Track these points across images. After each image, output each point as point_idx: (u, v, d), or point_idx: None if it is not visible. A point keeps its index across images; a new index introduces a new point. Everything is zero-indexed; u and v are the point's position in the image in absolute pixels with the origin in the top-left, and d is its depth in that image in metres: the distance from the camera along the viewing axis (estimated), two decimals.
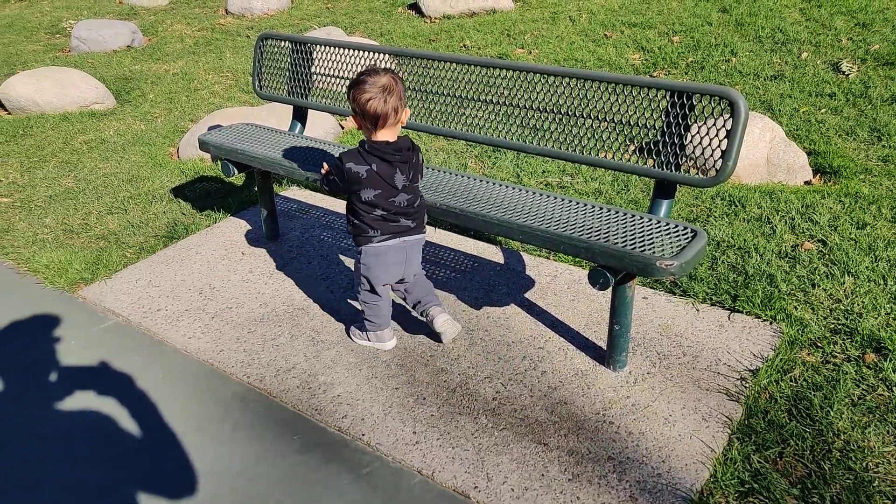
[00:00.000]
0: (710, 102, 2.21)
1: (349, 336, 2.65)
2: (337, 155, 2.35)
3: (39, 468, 2.15)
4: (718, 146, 2.19)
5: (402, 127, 2.34)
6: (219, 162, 4.29)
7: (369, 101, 2.16)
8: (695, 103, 2.23)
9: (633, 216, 2.30)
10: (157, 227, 3.62)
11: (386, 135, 2.24)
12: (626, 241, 2.12)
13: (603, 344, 2.53)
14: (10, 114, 5.59)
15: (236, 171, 3.15)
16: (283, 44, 3.33)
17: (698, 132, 2.28)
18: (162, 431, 2.27)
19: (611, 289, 2.21)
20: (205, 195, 3.95)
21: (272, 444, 2.20)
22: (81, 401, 2.42)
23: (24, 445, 2.24)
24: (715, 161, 2.20)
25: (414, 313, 2.67)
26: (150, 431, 2.28)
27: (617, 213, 2.34)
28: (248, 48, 6.99)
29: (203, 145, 3.23)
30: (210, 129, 3.40)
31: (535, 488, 1.96)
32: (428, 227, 3.44)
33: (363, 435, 2.19)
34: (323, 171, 2.48)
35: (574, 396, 2.30)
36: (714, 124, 2.23)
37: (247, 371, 2.52)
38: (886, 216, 3.20)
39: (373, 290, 2.43)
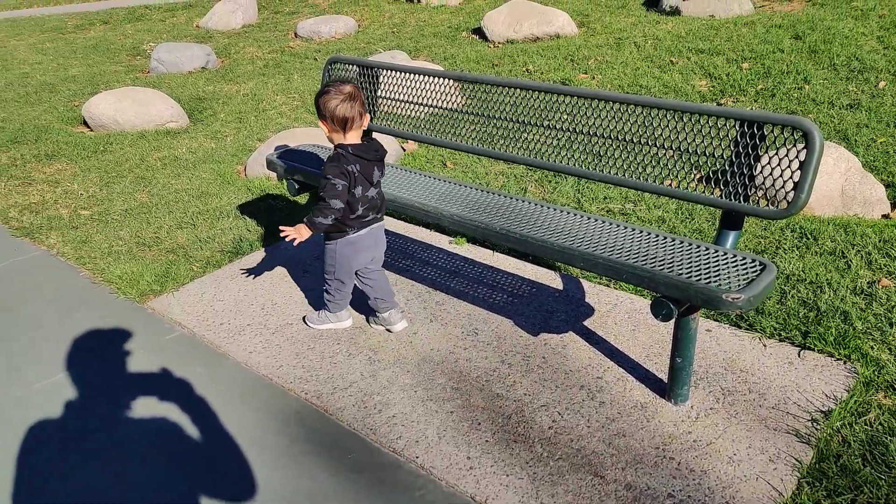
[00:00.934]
0: (782, 132, 2.15)
1: (307, 325, 2.92)
2: (322, 170, 2.49)
3: (102, 468, 2.23)
4: (791, 177, 2.12)
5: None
6: (284, 181, 4.41)
7: (337, 107, 2.43)
8: (766, 133, 2.17)
9: (699, 247, 2.25)
10: (224, 242, 3.74)
11: (353, 137, 2.51)
12: (691, 272, 2.07)
13: (663, 376, 2.46)
14: (92, 131, 5.91)
15: (301, 190, 3.23)
16: (350, 67, 3.41)
17: (769, 162, 2.21)
18: (221, 441, 2.33)
19: (674, 320, 2.16)
20: (270, 213, 4.07)
21: (327, 460, 2.22)
22: (146, 407, 2.51)
23: (90, 446, 2.33)
24: (787, 192, 2.13)
25: (370, 303, 2.83)
26: (209, 440, 2.33)
27: (681, 242, 2.28)
28: (315, 70, 7.20)
29: (270, 164, 3.34)
30: (277, 148, 3.50)
31: None
32: (485, 250, 3.44)
33: (417, 457, 2.19)
34: (301, 236, 2.50)
35: (633, 429, 2.24)
36: (786, 155, 2.16)
37: (304, 387, 2.56)
38: None
39: (342, 277, 2.72)
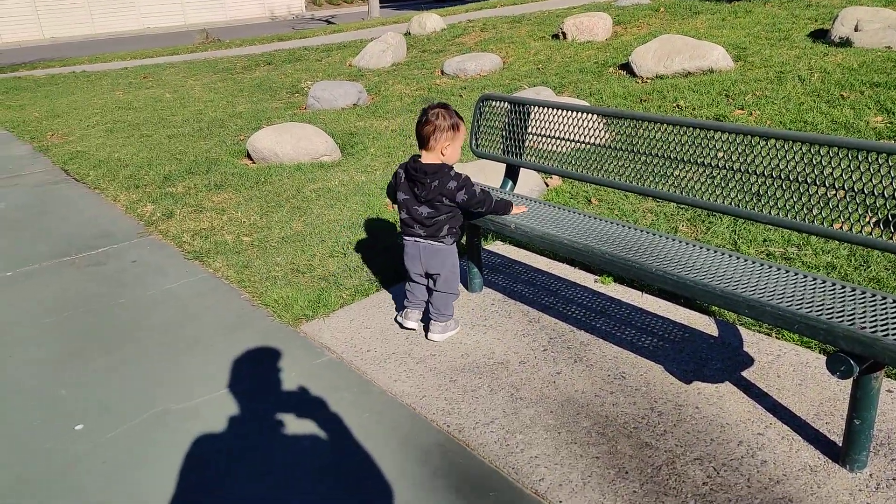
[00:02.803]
0: None
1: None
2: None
3: (257, 484, 2.37)
4: None
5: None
6: None
7: (419, 125, 2.83)
8: None
9: (883, 298, 2.04)
10: (372, 271, 3.91)
11: (427, 157, 2.85)
12: (875, 325, 1.88)
13: (836, 438, 2.24)
14: (255, 163, 6.44)
15: None
16: (501, 105, 3.48)
17: None
18: (366, 466, 2.40)
19: (852, 378, 1.96)
20: None
21: (469, 496, 2.22)
22: (296, 428, 2.64)
23: (247, 461, 2.49)
24: None
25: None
26: (354, 464, 2.41)
27: (855, 290, 2.08)
28: (460, 107, 7.41)
29: None
30: None
31: None
32: (633, 291, 3.33)
33: (561, 501, 2.13)
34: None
35: (801, 494, 2.05)
36: None
37: (447, 420, 2.58)
38: None
39: (408, 278, 3.10)
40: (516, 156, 3.39)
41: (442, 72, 9.26)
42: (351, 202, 5.08)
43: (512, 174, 3.49)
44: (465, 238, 3.47)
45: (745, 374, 2.63)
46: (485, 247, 4.04)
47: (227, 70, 12.76)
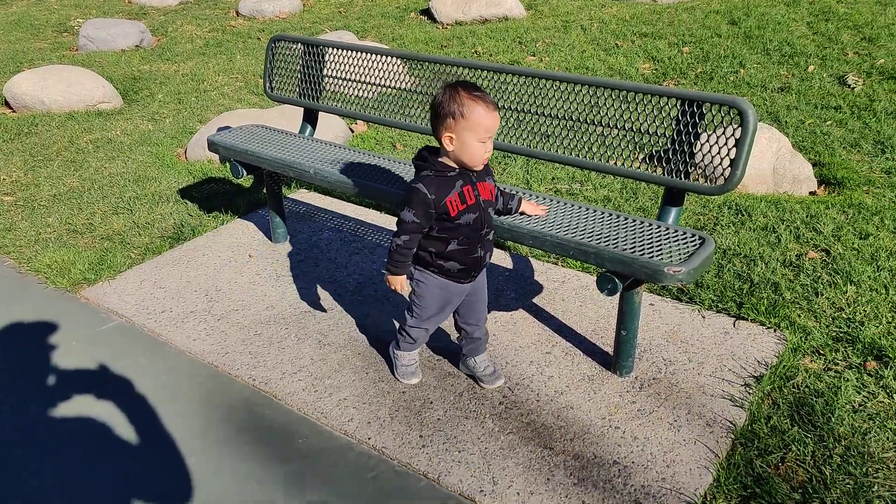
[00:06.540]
0: (719, 112, 2.22)
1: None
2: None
3: (32, 469, 2.16)
4: (727, 155, 2.20)
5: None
6: (227, 163, 4.30)
7: None
8: (704, 112, 2.24)
9: (642, 223, 2.31)
10: (164, 228, 3.63)
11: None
12: (634, 247, 2.13)
13: (610, 349, 2.53)
14: (14, 112, 5.61)
15: (245, 173, 3.16)
16: (295, 46, 3.34)
17: (707, 141, 2.28)
18: (164, 433, 2.28)
19: (619, 294, 2.22)
20: (212, 197, 3.97)
21: (277, 447, 2.20)
22: (81, 402, 2.42)
23: (20, 446, 2.25)
24: (723, 170, 2.21)
25: None
26: (151, 433, 2.28)
27: (626, 219, 2.34)
28: (258, 50, 7.01)
29: (212, 146, 3.25)
30: (219, 130, 3.41)
31: (540, 492, 1.96)
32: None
33: (369, 438, 2.19)
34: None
35: (580, 401, 2.30)
36: (723, 133, 2.24)
37: (252, 373, 2.52)
38: (889, 227, 3.21)
39: None
40: (313, 99, 3.29)
41: (237, 12, 8.66)
42: (136, 153, 4.65)
43: (310, 118, 3.40)
44: (265, 187, 3.33)
45: (535, 300, 2.87)
46: (288, 195, 3.93)
47: None
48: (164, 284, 3.11)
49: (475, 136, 1.95)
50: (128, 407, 2.39)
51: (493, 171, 2.23)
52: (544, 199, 2.53)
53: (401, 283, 2.16)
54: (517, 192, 2.44)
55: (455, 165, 2.04)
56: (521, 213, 2.36)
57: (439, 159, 2.05)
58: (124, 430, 2.29)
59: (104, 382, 2.51)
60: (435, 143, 2.06)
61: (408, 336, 2.32)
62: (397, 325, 2.52)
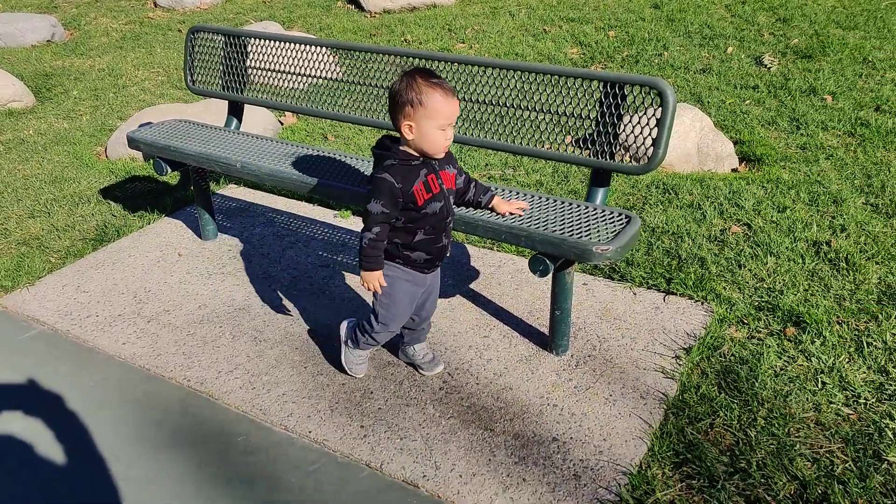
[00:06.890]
0: (640, 93, 2.27)
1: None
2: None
3: None
4: (650, 135, 2.26)
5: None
6: (151, 160, 4.15)
7: None
8: (627, 94, 2.29)
9: (571, 204, 2.35)
10: (85, 230, 3.48)
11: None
12: (563, 228, 2.17)
13: (546, 330, 2.58)
14: None
15: (170, 170, 3.06)
16: (215, 37, 3.24)
17: (630, 121, 2.34)
18: (94, 442, 2.19)
19: (551, 276, 2.26)
20: (137, 196, 3.82)
21: (215, 447, 2.15)
22: (2, 417, 2.31)
23: None
24: (646, 149, 2.27)
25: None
26: (80, 443, 2.19)
27: (555, 202, 2.38)
28: (179, 43, 6.77)
29: (133, 143, 3.13)
30: (140, 126, 3.28)
31: (482, 473, 1.99)
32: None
33: (310, 432, 2.17)
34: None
35: (519, 382, 2.34)
36: (645, 114, 2.30)
37: (186, 374, 2.45)
38: (804, 199, 3.37)
39: None
40: (238, 92, 3.21)
41: (155, 4, 8.33)
42: (52, 153, 4.43)
43: (235, 111, 3.31)
44: (192, 184, 3.23)
45: (472, 286, 2.89)
46: (217, 191, 3.82)
47: None
48: (88, 288, 2.98)
49: (434, 123, 1.91)
50: (54, 418, 2.29)
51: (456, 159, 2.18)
52: (526, 195, 2.45)
53: (378, 279, 2.08)
54: (494, 190, 2.38)
55: (417, 154, 2.00)
56: (491, 209, 2.31)
57: (401, 148, 2.00)
58: (51, 443, 2.19)
59: (28, 393, 2.40)
60: (395, 133, 2.01)
61: (370, 338, 2.25)
62: (349, 323, 2.39)
